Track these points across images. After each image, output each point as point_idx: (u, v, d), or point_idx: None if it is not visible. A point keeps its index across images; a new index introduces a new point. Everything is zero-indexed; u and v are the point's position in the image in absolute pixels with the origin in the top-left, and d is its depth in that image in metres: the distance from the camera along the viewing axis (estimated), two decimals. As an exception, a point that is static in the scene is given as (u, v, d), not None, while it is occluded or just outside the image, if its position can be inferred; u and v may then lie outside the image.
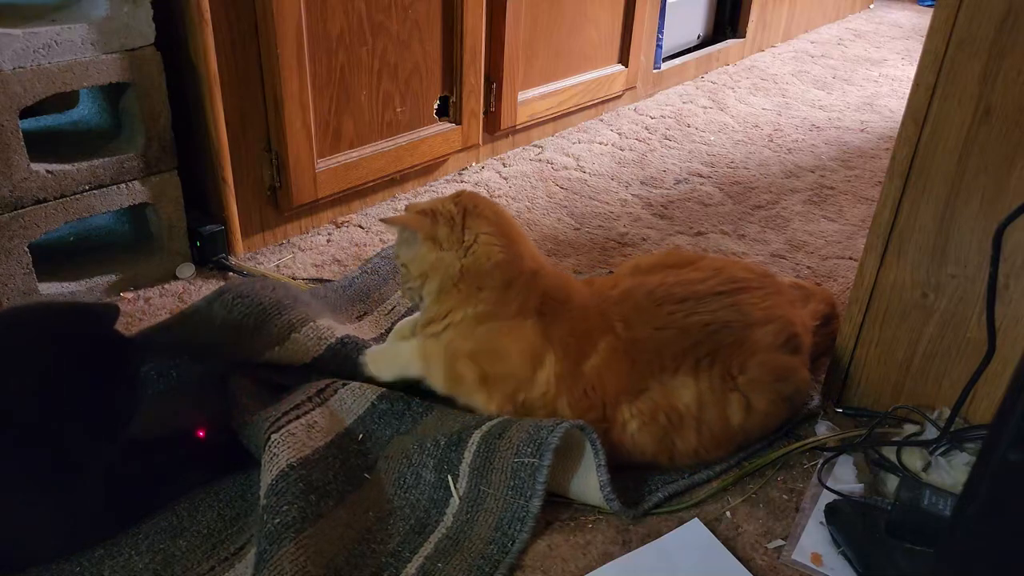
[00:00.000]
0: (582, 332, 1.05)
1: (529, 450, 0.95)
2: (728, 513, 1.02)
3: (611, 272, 1.44)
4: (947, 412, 1.07)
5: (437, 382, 1.09)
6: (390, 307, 1.37)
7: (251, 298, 1.14)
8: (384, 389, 1.10)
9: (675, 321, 1.05)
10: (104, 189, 1.32)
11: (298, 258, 1.56)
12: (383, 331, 1.30)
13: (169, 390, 1.16)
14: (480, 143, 1.92)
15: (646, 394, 1.02)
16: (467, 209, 1.09)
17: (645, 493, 1.02)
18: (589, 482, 0.98)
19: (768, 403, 1.06)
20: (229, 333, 1.12)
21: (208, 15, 1.31)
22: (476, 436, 0.98)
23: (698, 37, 2.76)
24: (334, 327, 1.17)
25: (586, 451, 0.98)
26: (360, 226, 1.68)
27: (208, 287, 1.44)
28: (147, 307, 1.38)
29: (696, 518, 1.00)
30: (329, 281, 1.46)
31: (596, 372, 1.03)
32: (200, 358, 1.17)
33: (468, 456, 0.97)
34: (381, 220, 1.18)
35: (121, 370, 0.91)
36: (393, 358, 1.13)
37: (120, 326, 1.30)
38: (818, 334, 1.22)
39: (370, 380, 1.12)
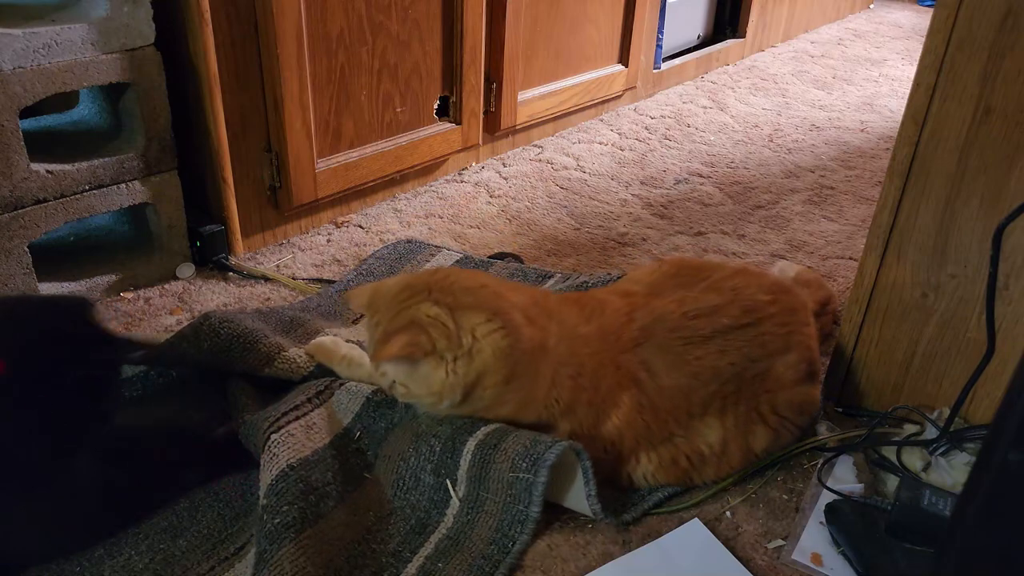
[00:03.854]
0: (602, 396, 0.98)
1: (525, 465, 0.94)
2: (728, 513, 1.01)
3: (616, 278, 1.38)
4: (947, 412, 1.07)
5: None
6: None
7: (235, 323, 1.14)
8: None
9: (705, 366, 1.00)
10: (104, 189, 1.32)
11: (298, 258, 1.56)
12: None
13: (168, 389, 1.16)
14: (480, 143, 1.92)
15: (669, 441, 1.00)
16: (451, 306, 0.96)
17: (645, 493, 1.02)
18: (583, 498, 0.97)
19: (790, 435, 1.07)
20: (218, 356, 1.12)
21: (208, 15, 1.31)
22: (471, 444, 0.97)
23: (698, 37, 2.76)
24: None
25: (579, 471, 0.97)
26: (360, 226, 1.68)
27: (208, 287, 1.44)
28: (147, 307, 1.38)
29: (696, 518, 1.00)
30: (331, 282, 1.46)
31: (617, 431, 0.98)
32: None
33: (464, 464, 0.97)
34: (374, 360, 0.99)
35: (94, 368, 0.90)
36: (337, 361, 1.12)
37: (120, 327, 1.32)
38: None
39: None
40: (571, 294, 1.14)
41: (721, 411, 1.01)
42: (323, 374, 1.13)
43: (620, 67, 2.28)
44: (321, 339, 1.17)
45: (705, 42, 2.79)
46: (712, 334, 1.02)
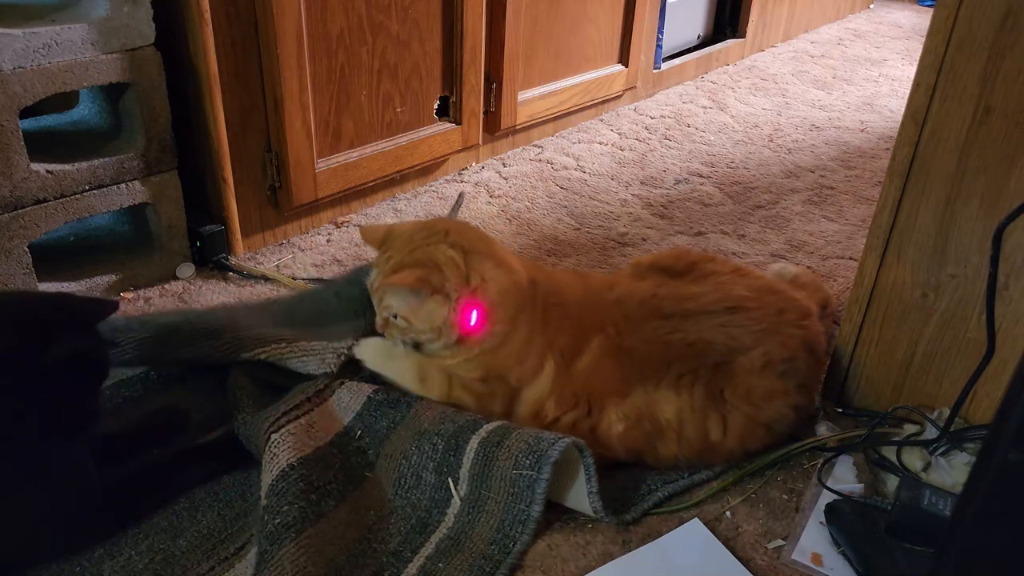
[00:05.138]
0: (576, 329, 1.05)
1: (528, 462, 0.94)
2: (728, 513, 1.02)
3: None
4: (947, 412, 1.07)
5: (431, 396, 1.08)
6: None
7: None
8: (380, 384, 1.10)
9: (659, 336, 1.05)
10: (104, 189, 1.32)
11: (298, 258, 1.56)
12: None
13: (168, 389, 1.16)
14: (480, 143, 1.92)
15: (631, 399, 1.03)
16: (465, 249, 1.04)
17: (644, 493, 1.02)
18: (584, 496, 0.97)
19: (741, 426, 1.04)
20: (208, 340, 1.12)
21: (208, 15, 1.31)
22: (474, 442, 0.98)
23: (698, 37, 2.76)
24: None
25: (581, 467, 0.97)
26: (360, 226, 1.68)
27: (208, 287, 1.44)
28: (147, 307, 1.38)
29: (696, 518, 1.00)
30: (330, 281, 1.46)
31: (586, 372, 1.04)
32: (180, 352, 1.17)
33: (467, 463, 0.97)
34: (384, 283, 1.04)
35: (84, 366, 0.90)
36: (387, 359, 1.11)
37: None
38: None
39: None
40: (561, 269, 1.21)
41: (676, 387, 1.02)
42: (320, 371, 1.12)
43: (620, 67, 2.28)
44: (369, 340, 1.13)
45: (705, 42, 2.79)
46: (672, 314, 1.07)
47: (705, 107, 2.45)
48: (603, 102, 2.30)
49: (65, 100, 1.46)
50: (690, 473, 1.05)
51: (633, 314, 1.07)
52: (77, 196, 1.29)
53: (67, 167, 1.27)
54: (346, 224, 1.68)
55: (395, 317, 1.05)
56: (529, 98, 2.00)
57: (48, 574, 0.89)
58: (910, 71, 1.99)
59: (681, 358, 1.04)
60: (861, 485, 1.04)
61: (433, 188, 1.85)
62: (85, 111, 1.45)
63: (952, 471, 1.02)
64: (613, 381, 1.03)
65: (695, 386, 1.03)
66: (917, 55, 1.27)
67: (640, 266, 1.22)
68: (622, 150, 2.12)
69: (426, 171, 1.85)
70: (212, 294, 1.42)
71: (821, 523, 0.99)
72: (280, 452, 0.96)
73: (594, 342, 1.05)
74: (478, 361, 1.06)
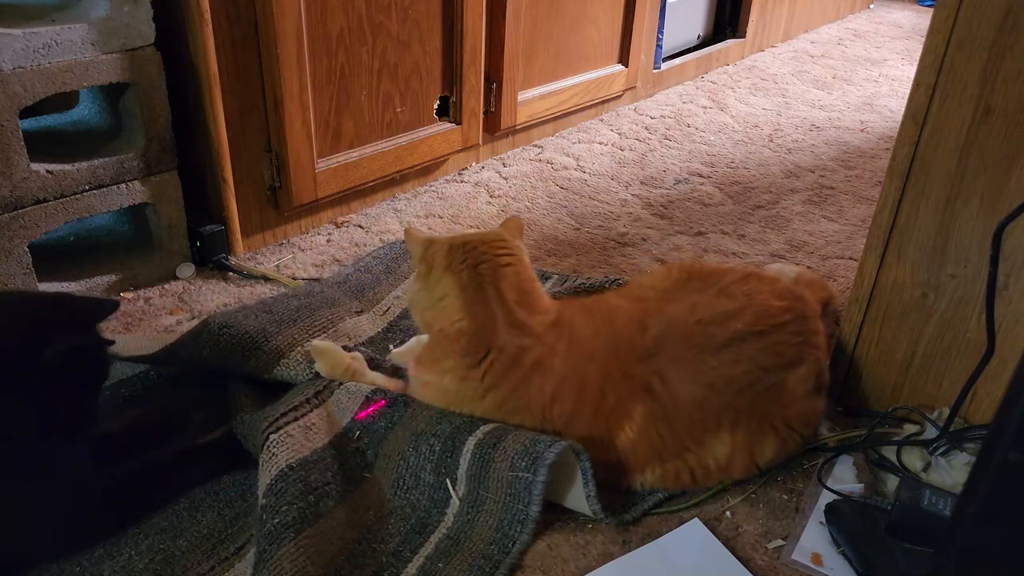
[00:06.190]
0: (610, 405, 0.98)
1: (524, 464, 0.94)
2: (728, 513, 1.01)
3: (613, 280, 1.40)
4: (947, 412, 1.07)
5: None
6: (384, 308, 1.37)
7: (236, 327, 1.13)
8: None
9: (720, 374, 0.98)
10: (104, 189, 1.32)
11: (298, 258, 1.56)
12: (380, 329, 1.30)
13: (168, 389, 1.16)
14: (480, 143, 1.92)
15: (680, 457, 1.00)
16: (452, 263, 1.01)
17: (644, 493, 1.02)
18: (583, 498, 0.97)
19: (796, 445, 1.06)
20: (218, 363, 1.12)
21: (208, 15, 1.31)
22: (471, 443, 0.97)
23: (698, 37, 2.76)
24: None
25: (579, 470, 0.97)
26: (360, 226, 1.68)
27: (208, 287, 1.44)
28: (147, 307, 1.38)
29: (696, 518, 1.00)
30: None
31: (631, 444, 0.98)
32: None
33: (464, 464, 0.97)
34: (406, 231, 1.08)
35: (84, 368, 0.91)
36: (342, 371, 1.10)
37: (120, 327, 1.32)
38: None
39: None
40: (586, 302, 1.11)
41: (733, 425, 1.00)
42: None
43: (620, 67, 2.28)
44: (325, 343, 1.13)
45: (705, 42, 2.79)
46: (726, 342, 1.00)
47: (705, 107, 2.45)
48: (603, 102, 2.30)
49: (65, 100, 1.46)
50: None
51: (681, 353, 0.99)
52: (77, 196, 1.29)
53: (67, 167, 1.27)
54: (346, 224, 1.68)
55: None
56: (529, 98, 2.00)
57: (48, 574, 0.89)
58: (910, 71, 1.99)
59: (743, 391, 0.99)
60: (861, 485, 1.04)
61: (433, 188, 1.85)
62: (85, 111, 1.45)
63: (952, 471, 1.02)
64: (661, 447, 0.99)
65: (751, 419, 1.00)
66: (917, 55, 1.27)
67: (658, 292, 1.11)
68: (622, 150, 2.12)
69: (426, 171, 1.85)
70: (212, 294, 1.42)
71: (821, 523, 0.99)
72: (278, 453, 0.96)
73: (636, 410, 0.97)
74: (440, 397, 1.04)
